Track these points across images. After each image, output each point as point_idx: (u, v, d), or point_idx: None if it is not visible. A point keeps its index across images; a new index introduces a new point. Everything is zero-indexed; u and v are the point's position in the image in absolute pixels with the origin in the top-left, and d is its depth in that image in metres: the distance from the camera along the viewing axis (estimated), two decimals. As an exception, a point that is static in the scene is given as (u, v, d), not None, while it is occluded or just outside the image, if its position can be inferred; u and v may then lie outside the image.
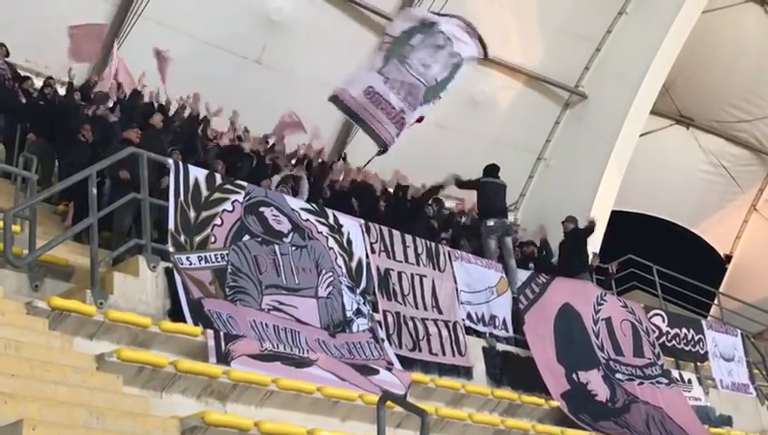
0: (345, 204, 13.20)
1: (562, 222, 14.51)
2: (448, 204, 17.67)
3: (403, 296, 11.13)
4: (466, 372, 11.18)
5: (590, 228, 14.30)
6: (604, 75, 20.95)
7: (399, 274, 11.26)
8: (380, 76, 12.79)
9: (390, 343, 10.50)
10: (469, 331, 11.68)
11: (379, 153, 13.13)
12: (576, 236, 14.21)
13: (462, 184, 13.97)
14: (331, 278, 10.26)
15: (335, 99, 12.79)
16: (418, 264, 11.55)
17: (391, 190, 15.47)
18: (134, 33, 16.31)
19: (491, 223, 13.13)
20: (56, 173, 12.71)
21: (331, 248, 10.53)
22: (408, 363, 10.38)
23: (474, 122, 20.33)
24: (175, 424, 6.65)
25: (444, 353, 11.05)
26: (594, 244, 17.38)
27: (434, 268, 11.71)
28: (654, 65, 19.92)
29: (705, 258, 24.60)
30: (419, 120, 13.19)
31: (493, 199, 13.34)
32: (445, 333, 11.22)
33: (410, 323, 10.95)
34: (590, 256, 14.85)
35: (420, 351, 10.86)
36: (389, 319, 10.74)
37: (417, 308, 11.20)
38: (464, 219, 16.54)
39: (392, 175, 15.79)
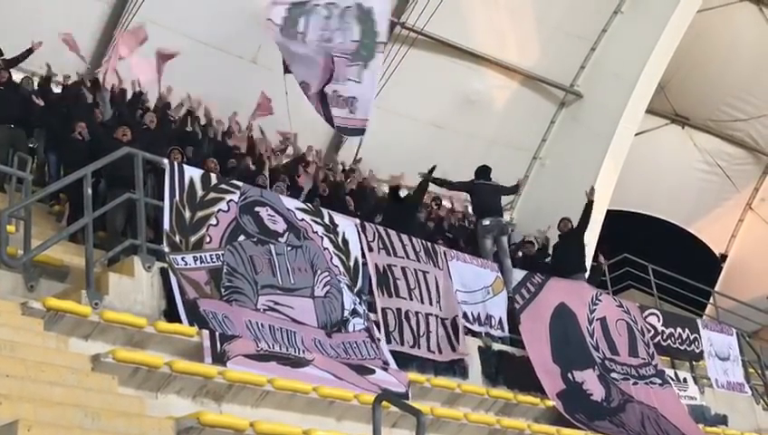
0: (340, 204, 13.23)
1: (558, 224, 14.48)
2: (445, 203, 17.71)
3: (409, 290, 11.13)
4: (462, 372, 11.19)
5: (589, 203, 14.02)
6: (600, 74, 20.96)
7: (404, 269, 11.26)
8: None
9: (390, 340, 10.51)
10: (466, 330, 11.69)
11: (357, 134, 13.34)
12: (572, 236, 14.19)
13: (453, 185, 13.97)
14: (328, 278, 10.25)
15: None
16: (419, 260, 11.56)
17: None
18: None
19: (486, 222, 13.14)
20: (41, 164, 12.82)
21: (326, 249, 10.52)
22: (404, 364, 10.38)
23: (469, 122, 20.34)
24: (170, 425, 6.63)
25: (440, 352, 11.06)
26: (590, 243, 17.44)
27: (434, 266, 11.72)
28: (649, 64, 19.94)
29: (700, 257, 24.61)
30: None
31: (487, 200, 13.36)
32: (441, 331, 11.22)
33: (413, 319, 10.95)
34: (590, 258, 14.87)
35: (419, 348, 10.87)
36: (389, 317, 10.73)
37: (422, 303, 11.20)
38: (453, 220, 16.56)
39: (389, 178, 15.82)
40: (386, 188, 15.79)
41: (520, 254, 15.02)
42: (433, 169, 13.27)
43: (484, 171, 13.69)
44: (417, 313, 11.04)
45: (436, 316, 11.24)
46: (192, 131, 13.96)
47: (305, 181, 13.75)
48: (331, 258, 10.49)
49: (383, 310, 10.75)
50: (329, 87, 12.77)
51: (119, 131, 11.05)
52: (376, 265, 11.01)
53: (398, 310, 10.89)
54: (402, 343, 10.65)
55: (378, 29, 13.21)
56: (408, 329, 10.84)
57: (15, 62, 13.39)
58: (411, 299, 11.10)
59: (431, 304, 11.31)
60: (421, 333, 10.95)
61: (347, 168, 17.04)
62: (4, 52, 13.60)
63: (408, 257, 11.44)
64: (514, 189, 15.01)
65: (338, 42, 12.82)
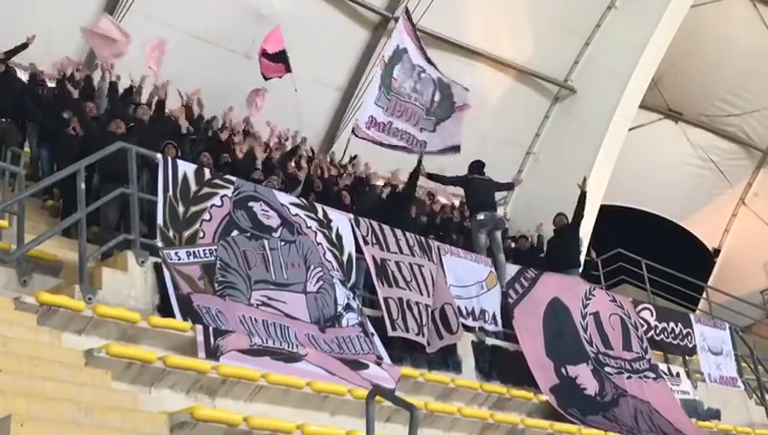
0: (335, 199, 13.21)
1: (554, 219, 14.44)
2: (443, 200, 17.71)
3: (406, 283, 11.15)
4: (456, 366, 11.20)
5: (583, 194, 13.98)
6: (593, 69, 21.00)
7: (398, 263, 11.26)
8: (379, 108, 13.50)
9: (396, 328, 10.56)
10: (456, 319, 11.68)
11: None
12: (567, 231, 14.18)
13: (447, 179, 13.98)
14: (321, 273, 10.24)
15: (354, 133, 13.75)
16: (413, 255, 11.56)
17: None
18: (123, 27, 16.24)
19: (481, 217, 13.14)
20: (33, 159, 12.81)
21: (320, 244, 10.52)
22: (398, 358, 10.39)
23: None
24: (164, 419, 6.63)
25: (429, 344, 11.06)
26: (583, 238, 17.45)
27: (428, 260, 11.72)
28: (643, 59, 19.97)
29: (693, 252, 24.68)
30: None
31: (481, 194, 13.35)
32: (431, 325, 11.22)
33: (415, 308, 10.97)
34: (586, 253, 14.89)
35: (423, 336, 10.92)
36: (392, 306, 10.76)
37: (421, 294, 11.23)
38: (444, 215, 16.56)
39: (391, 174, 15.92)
40: (380, 182, 15.83)
41: (513, 245, 15.07)
42: (421, 158, 13.38)
43: (477, 166, 13.69)
44: (417, 303, 11.07)
45: (430, 308, 11.26)
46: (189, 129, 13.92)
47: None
48: (325, 253, 10.49)
49: (385, 299, 10.76)
50: (398, 123, 13.75)
51: (112, 125, 11.00)
52: (373, 257, 11.02)
53: (400, 299, 10.91)
54: (408, 331, 10.69)
55: (454, 100, 14.51)
56: (412, 317, 10.87)
57: (10, 55, 13.35)
58: (410, 290, 11.12)
59: (428, 295, 11.34)
60: (424, 323, 10.99)
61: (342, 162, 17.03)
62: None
63: (401, 253, 11.44)
64: (509, 186, 15.05)
65: (422, 99, 14.01)
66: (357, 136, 13.76)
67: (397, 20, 18.67)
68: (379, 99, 13.56)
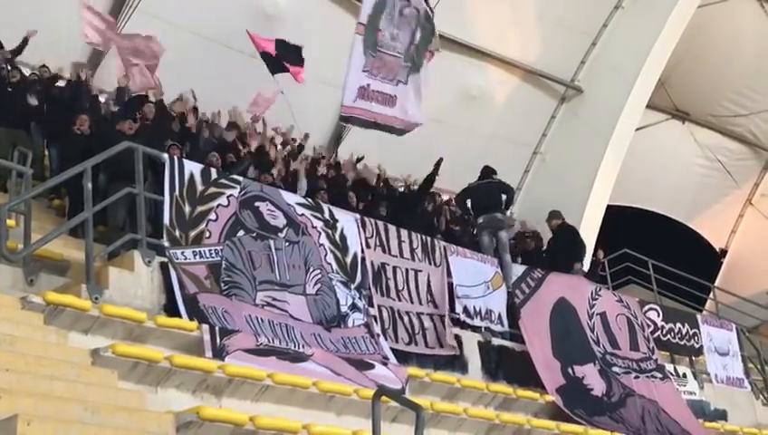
0: (342, 198, 13.24)
1: (546, 220, 14.39)
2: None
3: (397, 292, 11.12)
4: (462, 367, 11.19)
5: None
6: (600, 69, 20.99)
7: (394, 268, 11.24)
8: (363, 73, 12.79)
9: (386, 338, 10.50)
10: (465, 325, 11.69)
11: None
12: (565, 232, 14.17)
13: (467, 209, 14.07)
14: (319, 275, 10.20)
15: (346, 119, 13.15)
16: (413, 259, 11.52)
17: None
18: (129, 27, 16.28)
19: (481, 220, 13.20)
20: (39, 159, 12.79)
21: (322, 245, 10.48)
22: (403, 358, 10.39)
23: (470, 117, 20.36)
24: (170, 419, 6.64)
25: (441, 346, 11.06)
26: (590, 238, 17.45)
27: (429, 263, 11.69)
28: (650, 59, 19.96)
29: (700, 253, 24.66)
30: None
31: (481, 198, 13.34)
32: (440, 327, 11.22)
33: (405, 318, 10.94)
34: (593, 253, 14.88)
35: (417, 344, 10.87)
36: (384, 314, 10.74)
37: (412, 303, 11.17)
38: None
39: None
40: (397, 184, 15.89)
41: (516, 247, 15.09)
42: (440, 162, 13.34)
43: (486, 172, 13.70)
44: (407, 312, 11.04)
45: (430, 314, 11.24)
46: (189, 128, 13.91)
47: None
48: (326, 255, 10.45)
49: (379, 307, 10.75)
50: (374, 84, 12.88)
51: (124, 124, 11.01)
52: (372, 263, 11.00)
53: (392, 308, 10.89)
54: (397, 341, 10.65)
55: (434, 36, 13.67)
56: (403, 327, 10.85)
57: (15, 53, 13.38)
58: (400, 300, 11.09)
59: (421, 303, 11.28)
60: (416, 331, 10.96)
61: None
62: (7, 45, 13.56)
63: (401, 256, 11.39)
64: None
65: (400, 41, 13.15)
66: (345, 120, 13.26)
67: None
68: (365, 64, 12.75)
